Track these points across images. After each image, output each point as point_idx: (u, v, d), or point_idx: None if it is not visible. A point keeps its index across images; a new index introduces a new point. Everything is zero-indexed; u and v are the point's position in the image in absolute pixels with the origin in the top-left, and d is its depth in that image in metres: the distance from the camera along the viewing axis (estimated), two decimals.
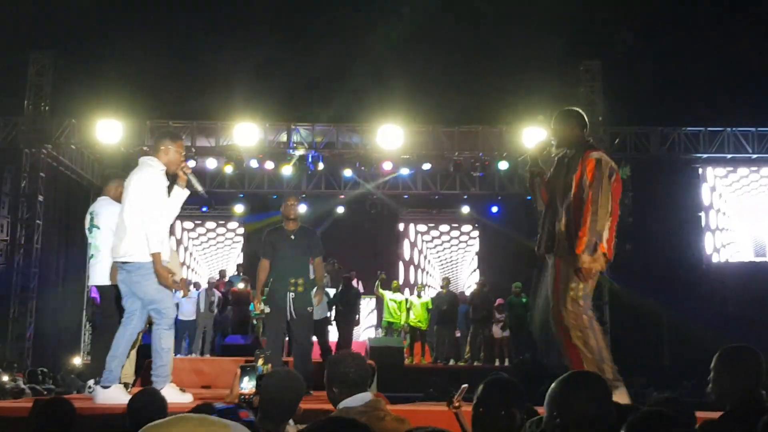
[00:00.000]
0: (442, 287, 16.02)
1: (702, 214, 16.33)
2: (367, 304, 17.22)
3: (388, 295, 15.44)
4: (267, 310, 7.27)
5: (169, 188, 5.98)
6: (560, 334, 5.56)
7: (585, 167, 5.29)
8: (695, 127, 15.58)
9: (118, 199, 6.78)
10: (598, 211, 5.23)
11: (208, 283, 15.23)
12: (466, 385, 4.35)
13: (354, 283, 15.15)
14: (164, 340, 5.97)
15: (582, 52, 15.49)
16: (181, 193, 6.13)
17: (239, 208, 18.20)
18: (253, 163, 15.83)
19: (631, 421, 2.49)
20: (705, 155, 15.78)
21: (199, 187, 6.02)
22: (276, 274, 7.40)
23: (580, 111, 5.75)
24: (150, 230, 5.77)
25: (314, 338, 10.10)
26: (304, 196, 16.95)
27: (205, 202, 17.30)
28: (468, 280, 19.73)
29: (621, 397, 4.85)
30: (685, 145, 15.58)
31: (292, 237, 7.42)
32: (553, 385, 2.69)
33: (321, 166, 16.30)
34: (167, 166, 5.90)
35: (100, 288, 7.20)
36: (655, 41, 15.00)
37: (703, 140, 15.61)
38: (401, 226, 20.19)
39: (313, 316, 7.67)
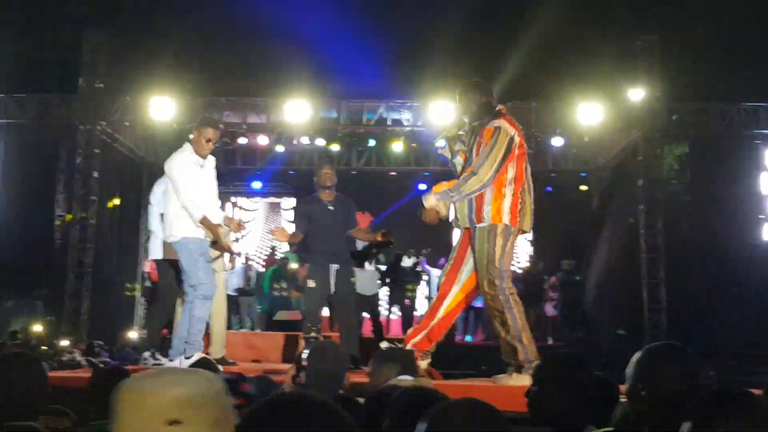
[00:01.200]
0: None
1: (763, 193, 16.12)
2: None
3: (434, 272, 15.90)
4: (312, 284, 7.35)
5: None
6: (443, 291, 5.91)
7: (484, 135, 5.55)
8: (756, 103, 15.47)
9: None
10: (472, 177, 5.47)
11: (247, 258, 15.90)
12: None
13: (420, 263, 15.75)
14: (196, 308, 6.40)
15: (639, 26, 15.45)
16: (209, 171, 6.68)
17: (288, 187, 18.68)
18: (304, 140, 16.23)
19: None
20: (766, 131, 15.63)
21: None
22: (316, 246, 7.47)
23: (480, 81, 6.05)
24: (186, 203, 6.32)
25: (365, 314, 10.57)
26: (354, 173, 17.32)
27: None
28: (520, 258, 19.90)
29: (521, 380, 5.18)
30: (745, 121, 15.49)
31: (330, 207, 7.46)
32: (639, 354, 2.64)
33: (371, 143, 16.61)
34: (196, 152, 6.51)
35: (156, 262, 7.84)
36: (714, 13, 14.88)
37: (764, 116, 15.50)
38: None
39: (355, 288, 7.74)
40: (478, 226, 5.65)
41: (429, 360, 5.93)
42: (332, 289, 7.42)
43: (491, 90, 5.94)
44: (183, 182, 6.41)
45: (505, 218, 5.58)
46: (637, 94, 14.86)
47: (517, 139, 5.53)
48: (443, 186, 5.67)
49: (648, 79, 15.01)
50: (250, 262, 16.09)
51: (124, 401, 1.66)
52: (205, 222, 6.36)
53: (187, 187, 6.37)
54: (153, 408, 1.62)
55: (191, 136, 6.68)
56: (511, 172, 5.57)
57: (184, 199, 6.35)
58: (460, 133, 5.99)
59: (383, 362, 4.04)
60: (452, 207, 5.78)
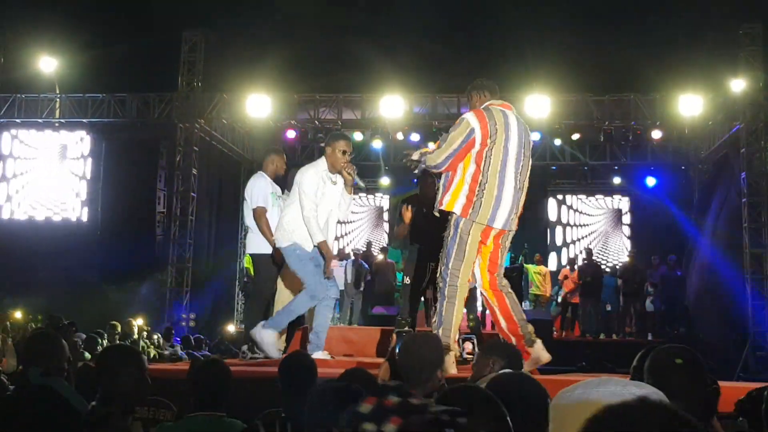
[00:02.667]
0: (585, 258, 16.52)
1: None
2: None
3: (531, 268, 16.42)
4: (408, 280, 7.88)
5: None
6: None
7: None
8: None
9: (271, 173, 7.90)
10: (433, 154, 5.87)
11: (354, 254, 16.15)
12: None
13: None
14: (318, 313, 6.88)
15: (742, 14, 15.44)
16: (345, 195, 7.00)
17: (385, 181, 19.12)
18: (399, 136, 16.66)
19: None
20: None
21: (362, 184, 7.01)
22: (415, 243, 8.02)
23: (483, 80, 6.25)
24: (309, 221, 6.71)
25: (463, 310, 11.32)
26: None
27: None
28: (618, 253, 20.24)
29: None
30: None
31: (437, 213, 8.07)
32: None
33: None
34: (331, 166, 6.75)
35: (252, 257, 8.10)
36: None
37: None
38: (549, 198, 20.71)
39: None
40: (443, 210, 6.00)
41: (536, 339, 6.23)
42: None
43: (492, 87, 6.17)
44: (309, 199, 6.72)
45: (457, 208, 5.89)
46: (739, 84, 15.02)
47: (479, 132, 5.76)
48: (427, 150, 6.15)
49: (750, 70, 15.14)
50: (358, 259, 16.27)
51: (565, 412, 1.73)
52: (323, 247, 6.73)
53: (311, 206, 6.69)
54: None
55: (327, 150, 6.85)
56: (472, 164, 5.82)
57: (308, 217, 6.70)
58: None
59: (487, 355, 4.12)
60: None
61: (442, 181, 6.06)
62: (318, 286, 6.79)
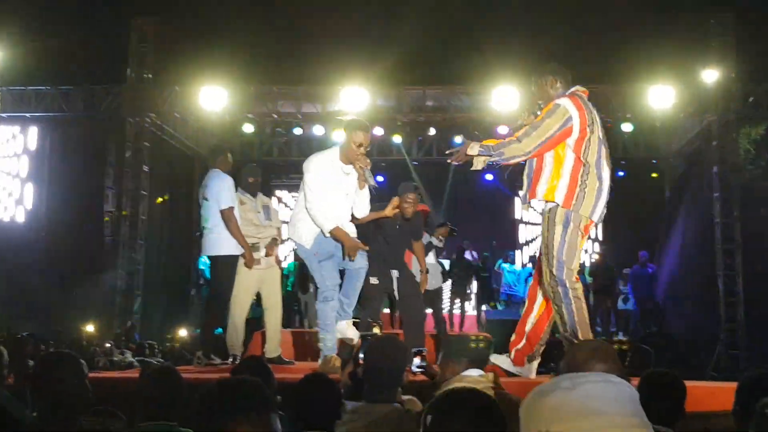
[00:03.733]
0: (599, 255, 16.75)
1: None
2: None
3: (507, 267, 16.74)
4: (374, 281, 7.61)
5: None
6: (531, 296, 6.23)
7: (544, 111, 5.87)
8: None
9: (226, 170, 7.92)
10: (515, 143, 5.72)
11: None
12: None
13: (467, 254, 16.21)
14: (319, 312, 6.83)
15: (713, 3, 15.66)
16: (358, 190, 6.84)
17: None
18: None
19: None
20: None
21: (372, 181, 6.80)
22: (378, 247, 7.70)
23: (556, 64, 6.31)
24: (314, 212, 6.61)
25: (428, 310, 10.60)
26: (416, 163, 17.80)
27: None
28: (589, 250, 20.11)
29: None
30: None
31: (397, 226, 7.88)
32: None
33: (432, 131, 17.02)
34: (344, 156, 6.67)
35: (211, 259, 8.07)
36: None
37: None
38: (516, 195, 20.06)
39: (418, 285, 8.15)
40: (539, 203, 5.93)
41: (538, 360, 6.31)
42: (395, 290, 7.99)
43: (567, 72, 6.18)
44: (312, 189, 6.61)
45: (558, 197, 5.77)
46: (710, 75, 15.19)
47: (577, 120, 5.70)
48: (491, 142, 5.91)
49: (722, 60, 15.32)
50: None
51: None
52: (337, 234, 6.59)
53: (315, 196, 6.57)
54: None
55: (344, 140, 6.75)
56: (569, 153, 5.75)
57: (311, 208, 6.60)
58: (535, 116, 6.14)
59: (451, 356, 4.14)
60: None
61: (526, 172, 6.00)
62: (325, 282, 6.74)
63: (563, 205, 5.74)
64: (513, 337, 6.37)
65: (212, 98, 15.46)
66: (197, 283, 17.41)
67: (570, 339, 5.68)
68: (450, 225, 11.85)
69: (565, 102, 5.78)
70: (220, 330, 8.71)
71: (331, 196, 6.66)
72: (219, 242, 7.77)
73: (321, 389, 3.80)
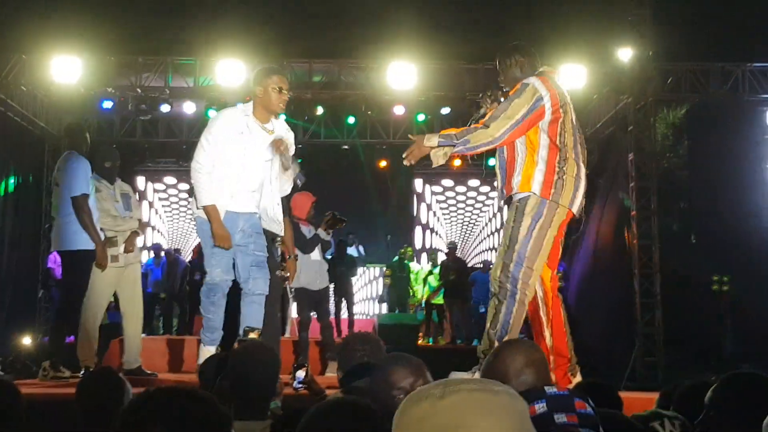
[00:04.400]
0: (447, 253, 16.78)
1: None
2: (372, 274, 17.78)
3: (413, 267, 16.83)
4: None
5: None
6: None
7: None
8: (763, 63, 15.61)
9: (84, 152, 7.73)
10: (481, 130, 5.64)
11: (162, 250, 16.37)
12: None
13: (354, 248, 16.27)
14: (202, 306, 6.56)
15: None
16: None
17: None
18: (239, 106, 15.94)
19: None
20: None
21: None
22: None
23: (521, 43, 6.25)
24: (195, 178, 6.29)
25: (313, 313, 10.77)
26: (300, 146, 17.11)
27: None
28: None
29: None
30: (750, 84, 15.60)
31: None
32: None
33: (320, 110, 16.68)
34: (264, 109, 6.36)
35: (63, 254, 7.84)
36: None
37: None
38: (418, 183, 20.88)
39: (279, 284, 7.99)
40: (514, 196, 5.82)
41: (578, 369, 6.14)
42: None
43: (535, 52, 6.16)
44: (209, 148, 6.24)
45: (535, 187, 5.66)
46: (626, 53, 14.99)
47: (548, 100, 5.61)
48: (451, 131, 5.83)
49: (638, 37, 15.08)
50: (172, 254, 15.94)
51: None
52: (209, 212, 6.26)
53: (205, 156, 6.21)
54: None
55: (257, 92, 6.41)
56: (543, 138, 5.69)
57: (195, 170, 6.22)
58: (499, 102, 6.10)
59: (348, 348, 4.17)
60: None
61: (498, 164, 5.99)
62: (213, 271, 6.47)
63: (541, 195, 5.69)
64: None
65: (65, 69, 14.67)
66: (45, 284, 16.56)
67: (492, 340, 5.67)
68: (337, 214, 11.36)
69: (534, 81, 5.73)
70: (72, 338, 8.41)
71: (237, 162, 6.30)
72: (72, 235, 7.56)
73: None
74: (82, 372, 7.55)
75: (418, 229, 20.98)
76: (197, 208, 6.38)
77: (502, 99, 5.99)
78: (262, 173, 6.43)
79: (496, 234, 20.48)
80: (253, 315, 6.44)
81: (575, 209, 5.80)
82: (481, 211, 21.09)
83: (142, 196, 19.49)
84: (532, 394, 2.16)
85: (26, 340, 15.38)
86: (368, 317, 17.27)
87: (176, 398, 2.01)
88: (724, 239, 14.88)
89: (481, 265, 17.72)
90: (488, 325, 5.83)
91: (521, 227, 5.71)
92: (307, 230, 10.47)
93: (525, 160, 5.73)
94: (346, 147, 18.39)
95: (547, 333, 6.00)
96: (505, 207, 6.37)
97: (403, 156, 5.97)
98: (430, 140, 5.73)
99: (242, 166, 6.30)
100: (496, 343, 5.46)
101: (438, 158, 5.82)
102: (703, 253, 14.85)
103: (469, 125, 5.90)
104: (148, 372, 8.16)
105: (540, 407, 2.12)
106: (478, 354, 5.90)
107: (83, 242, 7.51)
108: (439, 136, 5.79)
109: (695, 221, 15.12)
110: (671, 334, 14.47)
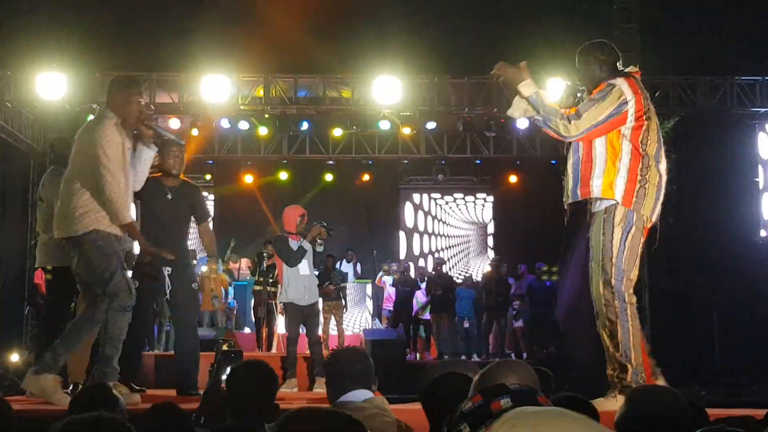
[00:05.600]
0: (433, 269, 16.91)
1: (759, 179, 16.29)
2: (362, 290, 17.81)
3: (389, 281, 16.72)
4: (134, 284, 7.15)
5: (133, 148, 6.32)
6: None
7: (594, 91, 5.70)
8: (751, 77, 15.63)
9: None
10: (563, 120, 5.52)
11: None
12: None
13: (352, 264, 16.51)
14: (110, 323, 6.25)
15: None
16: (147, 154, 6.39)
17: (207, 175, 18.89)
18: (224, 123, 16.34)
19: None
20: (762, 109, 15.77)
21: (170, 135, 6.47)
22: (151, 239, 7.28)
23: (602, 40, 6.11)
24: (114, 194, 6.04)
25: (302, 329, 10.62)
26: (285, 162, 17.59)
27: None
28: (479, 261, 20.53)
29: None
30: (738, 97, 15.64)
31: (169, 196, 7.47)
32: None
33: (305, 126, 16.71)
34: (125, 119, 6.15)
35: (45, 271, 7.66)
36: None
37: (760, 92, 15.66)
38: (402, 197, 20.77)
39: (196, 296, 7.95)
40: (595, 201, 5.74)
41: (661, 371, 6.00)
42: (167, 294, 7.58)
43: (616, 51, 6.01)
44: (113, 163, 6.06)
45: (617, 195, 5.56)
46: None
47: (633, 105, 5.50)
48: (545, 98, 5.66)
49: (625, 50, 14.55)
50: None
51: None
52: (131, 229, 6.28)
53: (117, 172, 6.06)
54: None
55: (117, 97, 6.32)
56: (626, 144, 5.57)
57: (113, 189, 6.05)
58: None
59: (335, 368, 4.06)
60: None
61: (571, 162, 5.82)
62: (128, 294, 6.25)
63: (623, 204, 5.58)
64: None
65: (51, 86, 14.67)
66: (32, 300, 16.07)
67: (624, 363, 5.57)
68: (323, 224, 11.07)
69: (621, 83, 5.60)
70: None
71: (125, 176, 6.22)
72: (57, 251, 7.23)
73: (171, 420, 3.85)
74: (70, 388, 7.19)
75: (402, 243, 20.83)
76: (81, 230, 6.29)
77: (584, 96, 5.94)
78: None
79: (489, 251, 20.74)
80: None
81: (654, 218, 5.69)
82: (464, 222, 21.05)
83: None
84: (498, 389, 2.12)
85: (14, 357, 15.34)
86: (357, 332, 17.18)
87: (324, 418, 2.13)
88: (712, 252, 14.95)
89: (462, 281, 17.82)
90: (611, 349, 5.72)
91: (614, 239, 5.62)
92: (296, 243, 10.29)
93: (606, 165, 5.63)
94: (331, 162, 18.38)
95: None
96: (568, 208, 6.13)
97: (495, 68, 5.86)
98: (527, 88, 5.62)
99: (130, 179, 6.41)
100: (629, 366, 5.55)
101: (517, 108, 5.75)
102: (690, 265, 14.90)
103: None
104: (137, 388, 7.79)
105: (504, 402, 2.04)
106: (610, 380, 5.77)
107: (67, 259, 7.14)
108: (535, 92, 5.63)
109: (681, 234, 15.11)
110: (660, 348, 14.43)
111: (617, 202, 5.59)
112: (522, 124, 15.79)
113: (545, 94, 5.78)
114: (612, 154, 5.61)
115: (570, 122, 5.53)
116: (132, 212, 6.35)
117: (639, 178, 5.57)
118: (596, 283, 5.78)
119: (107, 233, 6.21)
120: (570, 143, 5.81)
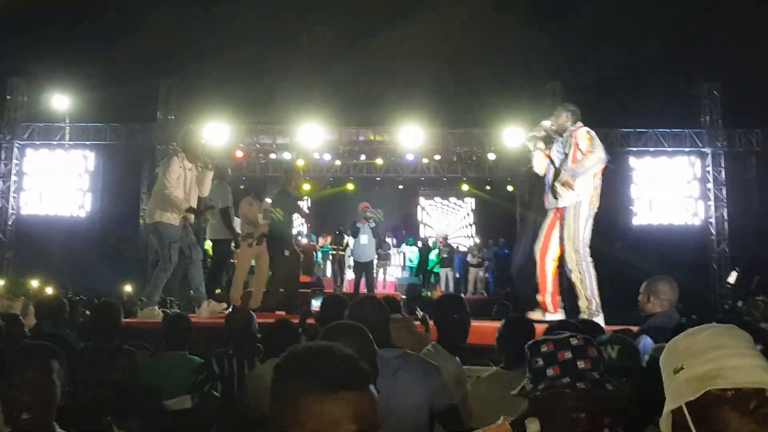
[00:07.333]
0: (441, 241, 16.91)
1: (631, 190, 16.54)
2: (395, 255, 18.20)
3: (407, 249, 17.05)
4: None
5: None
6: (543, 264, 5.83)
7: (578, 137, 5.64)
8: (627, 129, 16.08)
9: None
10: (585, 164, 5.52)
11: None
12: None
13: (387, 239, 16.16)
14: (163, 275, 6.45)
15: (546, 75, 16.07)
16: (208, 174, 6.56)
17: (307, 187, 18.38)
18: (315, 155, 16.34)
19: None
20: (634, 149, 16.15)
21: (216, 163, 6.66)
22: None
23: (571, 104, 6.09)
24: (171, 198, 6.23)
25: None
26: (352, 178, 17.62)
27: None
28: (465, 239, 20.46)
29: (599, 321, 5.17)
30: (620, 141, 16.04)
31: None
32: None
33: (362, 157, 16.80)
34: (193, 154, 6.52)
35: (213, 241, 8.35)
36: (600, 65, 15.30)
37: (632, 138, 16.10)
38: (420, 200, 20.82)
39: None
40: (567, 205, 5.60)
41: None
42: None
43: (577, 111, 5.90)
44: (170, 181, 6.33)
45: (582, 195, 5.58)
46: (547, 122, 15.09)
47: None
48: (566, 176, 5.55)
49: (552, 113, 15.19)
50: None
51: None
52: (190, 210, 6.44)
53: (173, 186, 6.33)
54: None
55: (184, 145, 6.51)
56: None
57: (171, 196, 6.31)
58: (542, 135, 6.00)
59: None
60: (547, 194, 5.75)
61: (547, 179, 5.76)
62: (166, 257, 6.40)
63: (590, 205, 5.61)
64: (539, 297, 5.99)
65: (216, 132, 14.47)
66: (204, 258, 16.77)
67: (590, 298, 5.45)
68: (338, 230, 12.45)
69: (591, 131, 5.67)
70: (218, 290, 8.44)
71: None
72: (216, 228, 7.79)
73: (285, 330, 3.85)
74: (231, 307, 7.08)
75: (420, 227, 20.65)
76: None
77: (543, 135, 5.86)
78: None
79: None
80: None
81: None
82: (457, 214, 20.87)
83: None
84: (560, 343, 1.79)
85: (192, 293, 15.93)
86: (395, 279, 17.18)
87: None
88: (605, 232, 14.95)
89: (457, 247, 17.71)
90: (581, 291, 5.52)
91: (580, 223, 5.54)
92: (361, 225, 10.56)
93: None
94: (378, 178, 17.92)
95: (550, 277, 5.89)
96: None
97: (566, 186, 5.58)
98: (564, 177, 5.47)
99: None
100: (594, 300, 5.46)
101: (539, 166, 5.81)
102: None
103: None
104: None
105: (567, 353, 1.75)
106: (582, 309, 5.56)
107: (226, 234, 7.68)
108: (568, 174, 5.52)
109: None
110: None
111: (581, 200, 5.55)
112: (491, 156, 15.84)
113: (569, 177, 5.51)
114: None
115: (585, 164, 5.48)
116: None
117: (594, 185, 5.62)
118: (569, 250, 5.55)
119: (165, 222, 6.31)
120: (546, 168, 5.76)
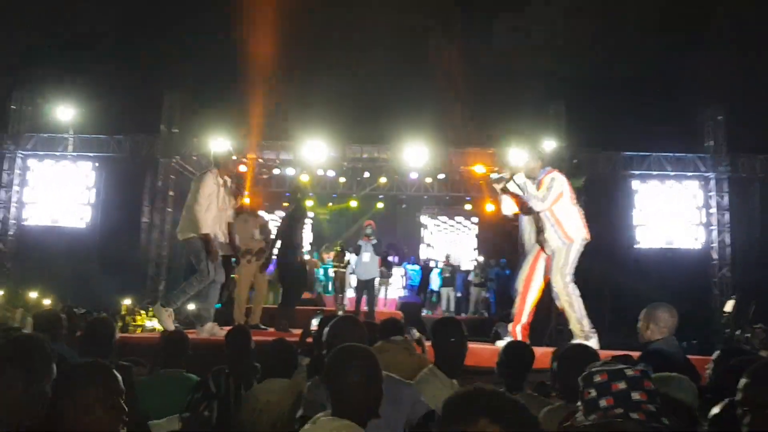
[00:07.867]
0: (444, 260, 16.95)
1: (633, 214, 16.52)
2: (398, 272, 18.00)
3: (409, 267, 16.89)
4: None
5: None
6: (525, 289, 5.93)
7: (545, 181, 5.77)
8: (630, 152, 16.05)
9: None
10: (529, 190, 5.77)
11: None
12: None
13: (390, 257, 15.84)
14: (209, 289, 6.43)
15: (551, 96, 15.95)
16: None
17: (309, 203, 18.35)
18: (319, 171, 16.52)
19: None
20: (637, 172, 16.20)
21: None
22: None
23: (540, 151, 6.32)
24: (199, 215, 6.21)
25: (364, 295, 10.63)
26: (354, 195, 17.60)
27: None
28: (469, 256, 20.35)
29: (593, 344, 5.24)
30: (623, 164, 16.10)
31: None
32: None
33: (366, 174, 16.92)
34: (226, 171, 6.54)
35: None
36: (604, 87, 15.37)
37: (635, 161, 16.10)
38: (423, 218, 20.67)
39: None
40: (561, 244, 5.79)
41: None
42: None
43: (541, 153, 6.19)
44: (202, 197, 6.34)
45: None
46: (550, 144, 15.21)
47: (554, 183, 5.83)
48: (531, 187, 5.75)
49: (557, 134, 15.48)
50: None
51: None
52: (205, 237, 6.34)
53: (204, 203, 6.40)
54: None
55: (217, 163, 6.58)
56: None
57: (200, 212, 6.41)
58: (509, 177, 6.02)
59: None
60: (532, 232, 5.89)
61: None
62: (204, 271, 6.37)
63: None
64: (510, 326, 6.07)
65: (220, 146, 14.25)
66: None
67: (581, 320, 5.59)
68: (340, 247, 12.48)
69: (557, 175, 5.86)
70: (218, 305, 7.97)
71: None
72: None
73: (283, 350, 3.87)
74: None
75: (422, 246, 20.52)
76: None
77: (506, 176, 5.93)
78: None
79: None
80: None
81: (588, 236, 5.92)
82: (462, 234, 20.81)
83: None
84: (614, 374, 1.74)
85: (190, 307, 15.85)
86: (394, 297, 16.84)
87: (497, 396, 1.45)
88: (606, 255, 14.19)
89: (459, 266, 17.65)
90: (572, 315, 5.65)
91: (568, 258, 5.71)
92: (363, 243, 10.46)
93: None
94: (381, 196, 18.03)
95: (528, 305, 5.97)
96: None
97: (497, 170, 6.02)
98: (520, 177, 5.78)
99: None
100: (584, 322, 5.60)
101: (502, 183, 5.89)
102: (592, 264, 14.74)
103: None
104: (263, 327, 7.74)
105: (621, 384, 1.72)
106: (574, 331, 5.68)
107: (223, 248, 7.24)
108: (526, 182, 5.77)
109: (588, 246, 14.92)
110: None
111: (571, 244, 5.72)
112: (494, 176, 16.10)
113: (530, 182, 5.74)
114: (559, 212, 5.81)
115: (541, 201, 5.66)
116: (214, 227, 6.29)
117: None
118: (556, 279, 5.69)
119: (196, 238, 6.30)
120: (518, 210, 5.98)
